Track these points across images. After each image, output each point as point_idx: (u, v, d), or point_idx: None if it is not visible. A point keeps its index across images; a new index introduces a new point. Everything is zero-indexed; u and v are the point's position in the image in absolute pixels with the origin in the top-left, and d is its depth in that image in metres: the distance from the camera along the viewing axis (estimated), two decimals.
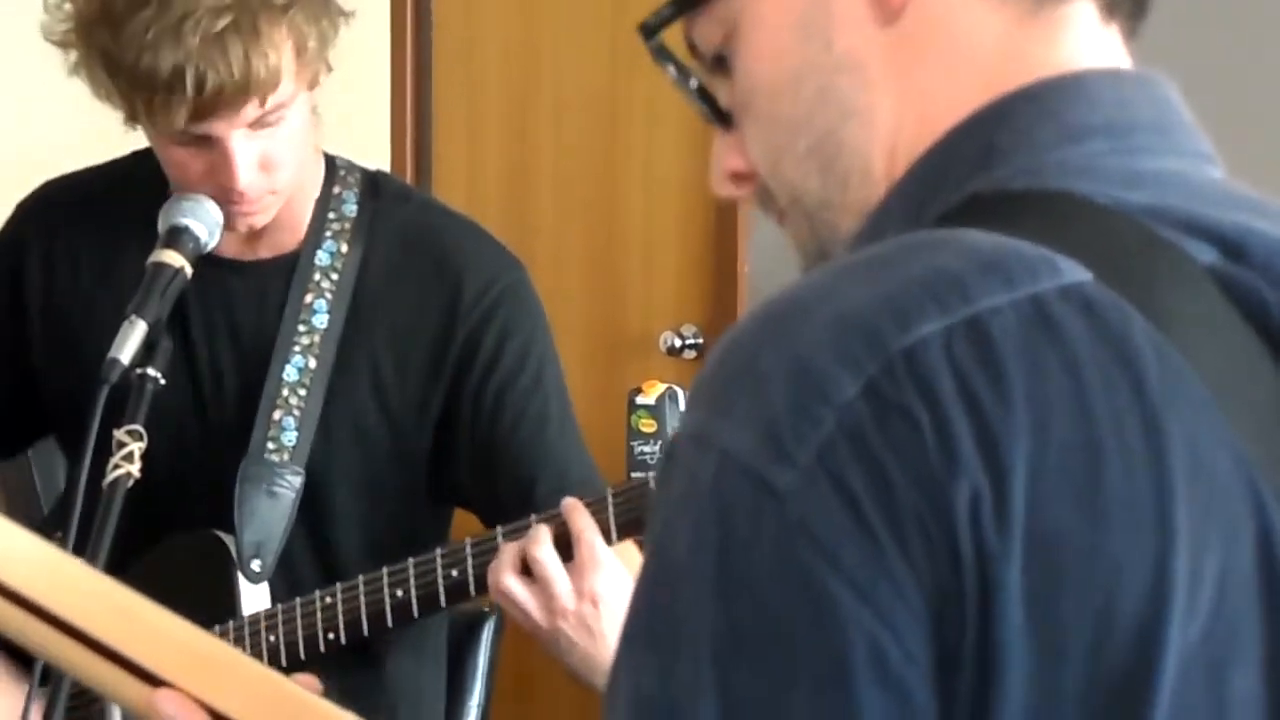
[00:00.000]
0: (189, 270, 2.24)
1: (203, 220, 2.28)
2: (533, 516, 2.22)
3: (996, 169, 1.13)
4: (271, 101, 2.28)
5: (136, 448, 2.13)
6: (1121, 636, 1.01)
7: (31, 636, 1.31)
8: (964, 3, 1.15)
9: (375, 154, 4.94)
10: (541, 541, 2.18)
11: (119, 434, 2.13)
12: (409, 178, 4.99)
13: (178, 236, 2.26)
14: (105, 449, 2.14)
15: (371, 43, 4.98)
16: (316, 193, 2.50)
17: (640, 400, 4.33)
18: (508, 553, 2.20)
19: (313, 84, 2.38)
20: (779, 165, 1.21)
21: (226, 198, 2.30)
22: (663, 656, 1.03)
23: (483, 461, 2.50)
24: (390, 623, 2.32)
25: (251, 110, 2.27)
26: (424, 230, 2.58)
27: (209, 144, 2.29)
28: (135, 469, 2.12)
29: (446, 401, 2.49)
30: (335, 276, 2.49)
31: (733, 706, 1.00)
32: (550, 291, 4.60)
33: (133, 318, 2.17)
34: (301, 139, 2.40)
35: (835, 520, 0.99)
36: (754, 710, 1.00)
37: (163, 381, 2.19)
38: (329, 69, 2.40)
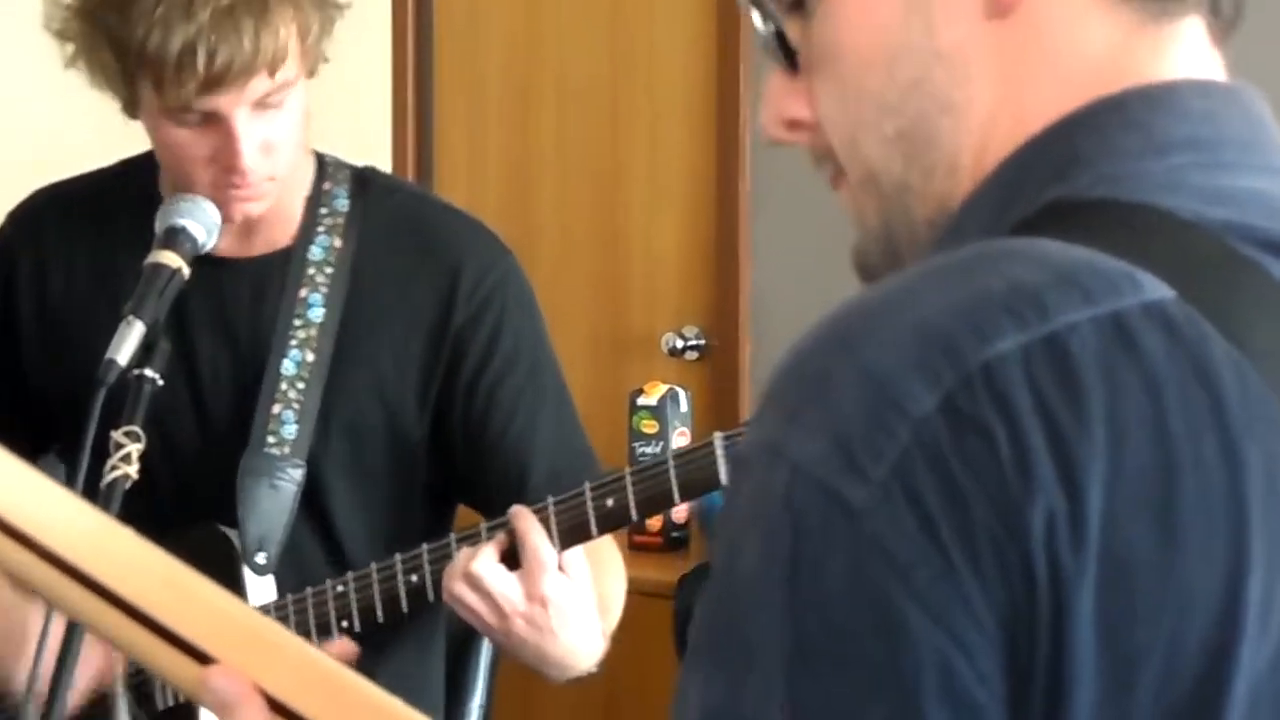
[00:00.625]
0: (186, 271, 2.25)
1: (200, 221, 2.29)
2: (483, 525, 2.26)
3: (1078, 177, 1.12)
4: (279, 78, 2.29)
5: (134, 449, 2.13)
6: (1192, 660, 1.00)
7: (76, 605, 1.30)
8: (1080, 7, 1.14)
9: (377, 150, 4.98)
10: (482, 556, 2.21)
11: (116, 435, 2.13)
12: (410, 174, 5.04)
13: (175, 237, 2.27)
14: (103, 451, 2.15)
15: (372, 39, 5.00)
16: (307, 190, 2.51)
17: (642, 401, 4.40)
18: (460, 559, 2.24)
19: (311, 71, 2.39)
20: (858, 139, 1.20)
21: (228, 181, 2.31)
22: (732, 671, 1.02)
23: (476, 453, 2.51)
24: (405, 607, 2.34)
25: (259, 85, 2.28)
26: (416, 221, 2.60)
27: (214, 124, 2.29)
28: (133, 470, 2.13)
29: (442, 392, 2.50)
30: (330, 270, 2.50)
31: (798, 715, 0.99)
32: (552, 290, 4.58)
33: (130, 318, 2.18)
34: (299, 128, 2.41)
35: (909, 538, 0.98)
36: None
37: (160, 382, 2.19)
38: (326, 59, 2.42)
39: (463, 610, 2.23)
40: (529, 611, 2.22)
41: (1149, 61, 1.14)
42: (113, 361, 2.14)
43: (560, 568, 2.24)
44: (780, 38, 1.21)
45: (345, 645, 1.35)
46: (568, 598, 2.26)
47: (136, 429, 2.14)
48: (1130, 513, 0.98)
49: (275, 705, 1.25)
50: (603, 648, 2.39)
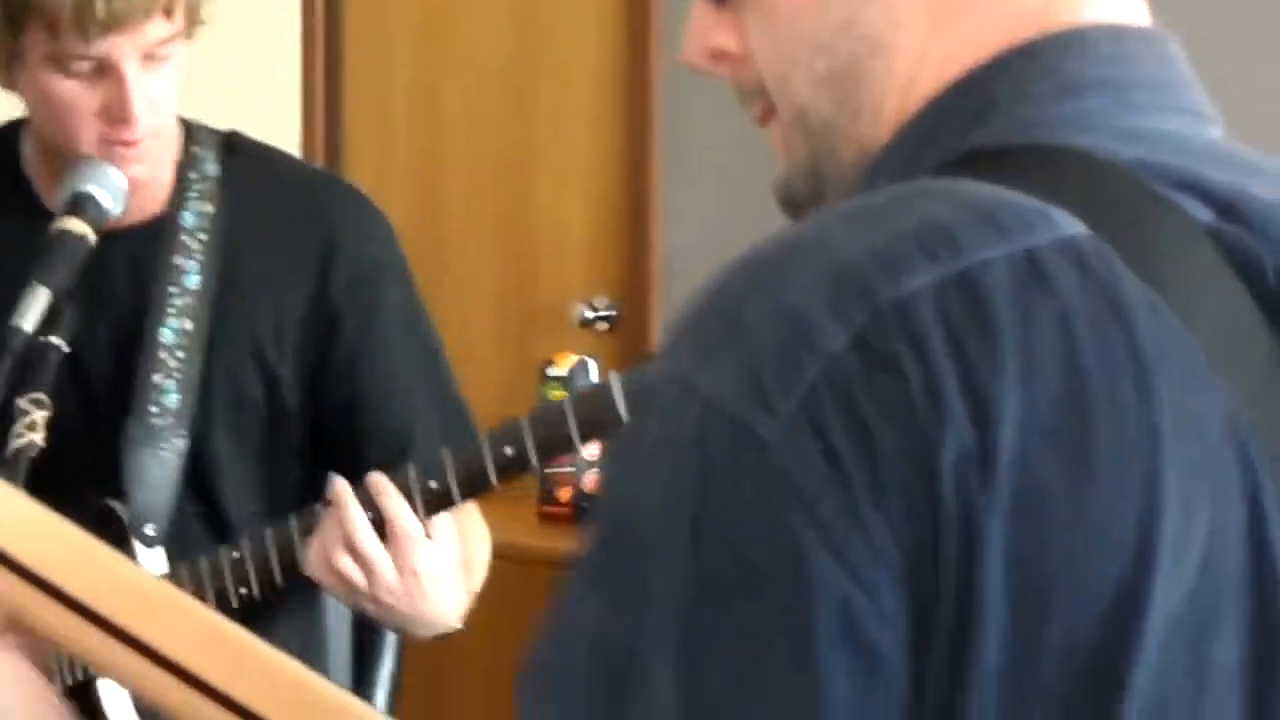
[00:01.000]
0: (93, 239, 2.25)
1: (106, 187, 2.29)
2: (335, 494, 2.26)
3: (994, 122, 1.13)
4: (172, 26, 2.30)
5: (40, 416, 2.16)
6: (1104, 596, 1.01)
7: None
8: None
9: (287, 130, 4.96)
10: (358, 526, 2.22)
11: (22, 402, 2.14)
12: (320, 150, 5.06)
13: (82, 204, 2.27)
14: (5, 418, 2.18)
15: (282, 20, 5.01)
16: (177, 155, 2.50)
17: (552, 372, 4.46)
18: (329, 531, 2.25)
19: (191, 30, 2.38)
20: (788, 77, 1.20)
21: (116, 137, 2.32)
22: (624, 601, 1.02)
23: (357, 423, 2.53)
24: (298, 563, 2.34)
25: (154, 30, 2.28)
26: (291, 187, 2.61)
27: (104, 76, 2.30)
28: (39, 438, 2.15)
29: (321, 360, 2.52)
30: (203, 237, 2.49)
31: (696, 656, 0.99)
32: (462, 264, 4.64)
33: (35, 285, 2.18)
34: (176, 88, 2.41)
35: (815, 473, 0.98)
36: (716, 664, 0.99)
37: (66, 350, 2.21)
38: (202, 22, 2.41)
39: (335, 581, 2.25)
40: (405, 583, 2.24)
41: (1065, 6, 1.14)
42: (18, 328, 2.13)
43: (428, 536, 2.25)
44: None
45: None
46: (437, 566, 2.27)
47: (43, 396, 2.16)
48: (1042, 448, 0.99)
49: (171, 667, 1.27)
50: (467, 605, 2.41)
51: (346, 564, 2.22)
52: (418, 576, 2.25)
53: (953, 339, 0.99)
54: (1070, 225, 1.04)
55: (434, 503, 2.25)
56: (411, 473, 2.25)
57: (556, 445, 2.30)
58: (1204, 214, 1.09)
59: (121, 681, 1.38)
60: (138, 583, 1.35)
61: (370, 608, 2.28)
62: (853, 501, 0.97)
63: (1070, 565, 1.00)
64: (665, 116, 4.73)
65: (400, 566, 2.22)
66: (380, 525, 2.25)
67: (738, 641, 0.99)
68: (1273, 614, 1.04)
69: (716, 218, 4.87)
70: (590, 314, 4.94)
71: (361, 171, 5.06)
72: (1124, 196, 1.10)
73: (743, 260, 1.06)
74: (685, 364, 1.02)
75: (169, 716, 1.36)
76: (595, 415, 2.25)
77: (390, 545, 2.22)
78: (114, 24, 2.25)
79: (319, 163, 5.05)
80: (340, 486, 2.23)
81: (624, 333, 5.00)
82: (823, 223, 1.09)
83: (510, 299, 4.91)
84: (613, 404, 2.22)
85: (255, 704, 1.29)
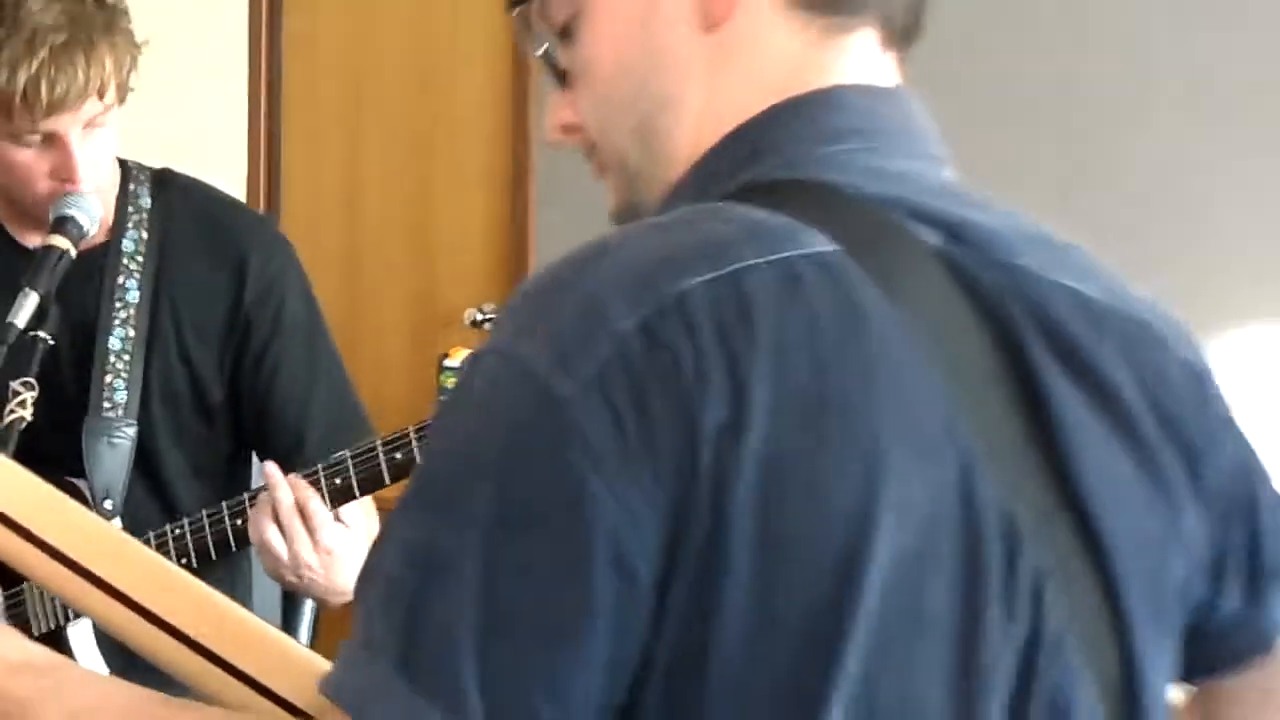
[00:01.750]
0: (73, 252, 2.22)
1: (86, 211, 2.26)
2: (264, 488, 2.22)
3: (765, 162, 1.13)
4: (105, 101, 2.27)
5: (29, 396, 2.12)
6: (832, 550, 1.00)
7: None
8: (773, 24, 1.14)
9: (234, 163, 4.93)
10: (268, 527, 2.19)
11: (15, 385, 2.12)
12: (262, 187, 5.00)
13: (64, 224, 2.24)
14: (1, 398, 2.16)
15: (231, 70, 4.92)
16: (116, 191, 2.46)
17: (448, 363, 4.39)
18: (254, 515, 2.22)
19: (122, 99, 2.35)
20: (608, 134, 1.21)
21: (64, 192, 2.29)
22: (441, 517, 1.02)
23: (263, 415, 2.49)
24: (234, 547, 2.32)
25: (90, 108, 2.26)
26: (211, 217, 2.55)
27: (51, 145, 2.27)
28: (28, 414, 2.12)
29: (235, 361, 2.48)
30: (140, 259, 2.46)
31: (492, 566, 0.99)
32: (377, 278, 4.58)
33: (27, 290, 2.15)
34: (113, 147, 2.39)
35: (601, 428, 0.98)
36: (509, 572, 0.99)
37: (51, 342, 2.17)
38: (131, 90, 2.38)
39: (264, 551, 2.22)
40: (321, 560, 2.20)
41: (821, 70, 1.14)
42: (12, 325, 2.11)
43: (338, 520, 2.22)
44: (551, 60, 1.22)
45: None
46: (346, 547, 2.23)
47: (31, 379, 2.13)
48: (787, 423, 0.99)
49: (117, 594, 1.26)
50: None
51: (273, 535, 2.18)
52: (331, 554, 2.21)
53: (720, 329, 1.00)
54: (821, 244, 1.05)
55: (338, 497, 2.22)
56: (320, 470, 2.22)
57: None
58: (934, 238, 1.10)
59: (89, 614, 1.36)
60: (102, 530, 1.35)
61: (292, 579, 2.24)
62: (629, 453, 0.98)
63: (804, 523, 1.00)
64: (540, 163, 4.68)
65: (315, 543, 2.18)
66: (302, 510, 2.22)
67: (529, 555, 0.99)
68: (979, 566, 1.05)
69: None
70: (479, 316, 4.77)
71: (296, 201, 5.03)
72: (866, 223, 1.09)
73: (562, 260, 1.07)
74: (507, 338, 1.03)
75: (131, 648, 1.35)
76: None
77: (307, 526, 2.19)
78: (55, 107, 2.23)
79: (261, 204, 4.94)
80: (271, 470, 2.21)
81: None
82: (625, 233, 1.09)
83: (416, 305, 4.83)
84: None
85: (197, 633, 1.27)
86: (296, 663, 1.26)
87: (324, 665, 1.17)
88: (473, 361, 1.06)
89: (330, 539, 2.20)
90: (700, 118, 1.16)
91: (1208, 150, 4.04)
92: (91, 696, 1.23)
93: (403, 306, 4.74)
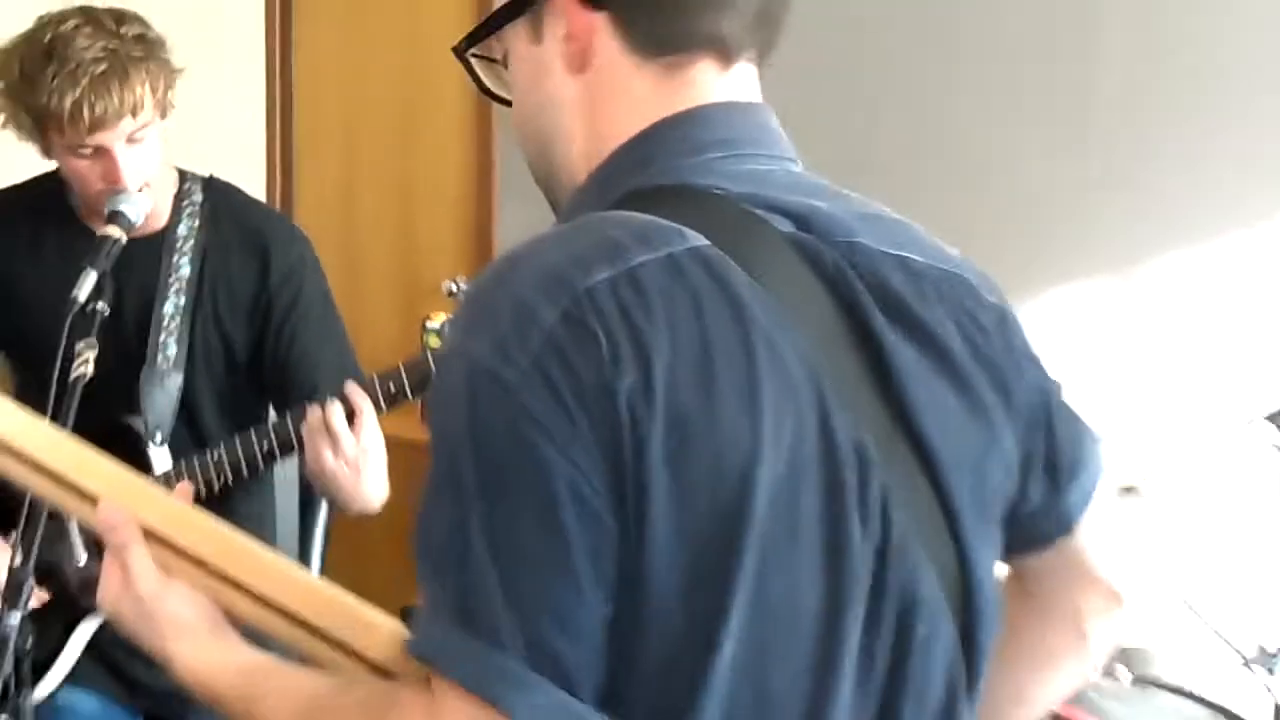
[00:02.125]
0: (124, 239, 2.24)
1: (133, 206, 2.29)
2: (327, 398, 2.25)
3: (648, 171, 1.15)
4: (139, 120, 2.29)
5: (91, 355, 2.10)
6: (728, 475, 1.04)
7: (12, 474, 1.30)
8: (623, 67, 1.16)
9: (255, 169, 4.86)
10: (335, 413, 2.22)
11: (79, 345, 2.10)
12: (279, 187, 4.97)
13: (116, 217, 2.26)
14: (67, 357, 2.14)
15: (249, 82, 4.88)
16: (175, 190, 2.49)
17: (430, 325, 4.22)
18: (315, 416, 2.24)
19: (164, 113, 2.36)
20: (526, 150, 1.24)
21: (113, 191, 2.31)
22: (449, 495, 1.05)
23: (282, 372, 2.50)
24: (262, 465, 2.33)
25: (127, 125, 2.27)
26: (243, 216, 2.57)
27: (101, 156, 2.30)
28: (89, 370, 2.09)
29: (259, 331, 2.50)
30: (191, 243, 2.47)
31: (490, 528, 1.02)
32: (369, 255, 4.68)
33: (87, 269, 2.16)
34: (159, 153, 2.38)
35: (544, 402, 1.01)
36: (502, 526, 1.02)
37: (107, 311, 2.17)
38: (173, 106, 2.39)
39: (313, 449, 2.23)
40: (356, 455, 2.22)
41: (678, 97, 1.16)
42: (75, 298, 2.12)
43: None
44: (493, 95, 1.28)
45: (186, 486, 1.31)
46: (377, 450, 2.26)
47: (93, 340, 2.11)
48: (683, 385, 1.03)
49: (150, 534, 1.24)
50: (383, 499, 2.36)
51: (331, 433, 2.20)
52: (365, 452, 2.23)
53: (623, 314, 1.03)
54: (697, 239, 1.08)
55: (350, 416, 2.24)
56: (376, 381, 2.26)
57: (424, 382, 2.28)
58: (786, 226, 1.13)
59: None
60: (121, 472, 1.31)
61: (331, 466, 2.23)
62: (570, 419, 1.01)
63: (703, 458, 1.03)
64: (500, 162, 4.59)
65: (358, 440, 2.20)
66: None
67: (513, 514, 1.02)
68: (839, 485, 1.08)
69: (537, 225, 4.69)
70: (454, 287, 4.34)
71: (307, 196, 4.95)
72: (730, 218, 1.11)
73: (492, 266, 1.10)
74: (458, 338, 1.06)
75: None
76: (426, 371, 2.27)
77: (352, 426, 2.20)
78: (97, 125, 2.25)
79: (278, 201, 4.87)
80: (351, 385, 2.23)
81: None
82: (542, 241, 1.11)
83: (401, 277, 4.77)
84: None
85: (215, 561, 1.25)
86: (362, 617, 1.23)
87: (392, 624, 1.21)
88: (441, 365, 1.09)
89: (368, 438, 2.22)
90: (586, 143, 1.18)
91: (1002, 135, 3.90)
92: (288, 681, 1.19)
93: (391, 280, 4.73)
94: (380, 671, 1.19)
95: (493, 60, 1.26)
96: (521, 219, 4.77)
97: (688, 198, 1.12)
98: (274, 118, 4.95)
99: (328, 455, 2.22)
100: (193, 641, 1.22)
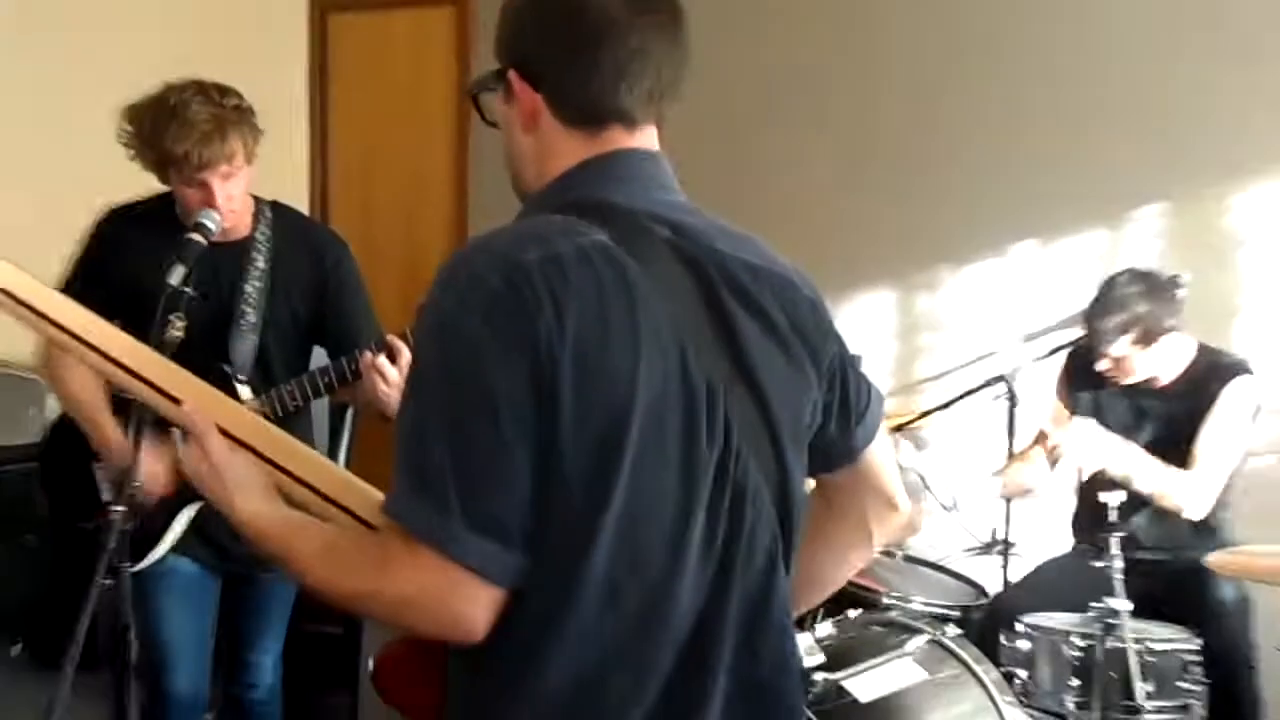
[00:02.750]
0: (205, 243, 2.20)
1: (212, 221, 2.26)
2: (373, 345, 2.22)
3: (578, 191, 1.14)
4: (234, 164, 2.30)
5: (180, 324, 2.08)
6: (616, 399, 1.05)
7: (122, 382, 1.28)
8: (558, 131, 1.16)
9: (300, 189, 4.94)
10: (383, 359, 2.18)
11: (172, 317, 2.08)
12: (319, 206, 4.96)
13: (200, 227, 2.23)
14: (163, 325, 2.10)
15: (299, 135, 4.96)
16: (253, 210, 2.46)
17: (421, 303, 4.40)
18: (367, 358, 2.20)
19: (250, 160, 2.35)
20: (511, 170, 1.22)
21: (204, 209, 2.29)
22: (420, 399, 1.06)
23: (334, 335, 2.47)
24: (322, 392, 2.32)
25: (223, 168, 2.28)
26: (301, 227, 2.55)
27: (204, 186, 2.29)
28: (180, 334, 2.07)
29: (318, 304, 2.47)
30: (266, 245, 2.46)
31: (445, 417, 1.03)
32: (379, 252, 4.63)
33: (177, 264, 2.13)
34: (245, 186, 2.37)
35: (489, 341, 1.02)
36: (455, 421, 1.03)
37: (193, 294, 2.14)
38: (256, 155, 2.38)
39: (372, 382, 2.19)
40: (398, 381, 2.18)
41: (592, 150, 1.16)
42: (169, 284, 2.10)
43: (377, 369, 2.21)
44: (494, 124, 1.24)
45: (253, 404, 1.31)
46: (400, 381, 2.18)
47: (181, 314, 2.09)
48: (585, 333, 1.03)
49: (226, 434, 1.23)
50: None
51: (385, 369, 2.17)
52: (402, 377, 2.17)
53: (546, 281, 1.03)
54: (600, 235, 1.08)
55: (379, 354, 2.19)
56: (409, 334, 2.18)
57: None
58: (665, 232, 1.13)
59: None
60: (202, 387, 1.28)
61: (385, 399, 2.19)
62: (506, 351, 1.02)
63: (598, 385, 1.03)
64: (472, 174, 4.60)
65: (399, 369, 2.17)
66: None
67: (463, 412, 1.03)
68: (694, 411, 1.08)
69: (496, 216, 3.96)
70: None
71: (339, 214, 4.91)
72: (625, 223, 1.11)
73: (462, 249, 1.10)
74: (436, 294, 1.07)
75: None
76: None
77: (395, 364, 2.17)
78: (202, 168, 2.26)
79: (318, 204, 4.96)
80: (394, 340, 2.17)
81: None
82: (495, 232, 1.10)
83: (403, 268, 4.73)
84: None
85: (262, 447, 1.23)
86: (371, 496, 1.20)
87: (380, 496, 1.15)
88: (422, 310, 1.08)
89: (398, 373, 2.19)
90: (537, 174, 1.17)
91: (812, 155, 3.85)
92: (313, 529, 1.17)
93: (396, 269, 4.67)
94: (375, 530, 1.18)
95: (491, 89, 1.22)
96: (489, 213, 4.51)
97: (596, 209, 1.11)
98: (315, 160, 5.06)
99: (380, 385, 2.19)
100: (249, 496, 1.19)
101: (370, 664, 1.20)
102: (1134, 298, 2.76)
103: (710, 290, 1.11)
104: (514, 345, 1.01)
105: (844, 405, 1.22)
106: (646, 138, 1.17)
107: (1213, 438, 2.77)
